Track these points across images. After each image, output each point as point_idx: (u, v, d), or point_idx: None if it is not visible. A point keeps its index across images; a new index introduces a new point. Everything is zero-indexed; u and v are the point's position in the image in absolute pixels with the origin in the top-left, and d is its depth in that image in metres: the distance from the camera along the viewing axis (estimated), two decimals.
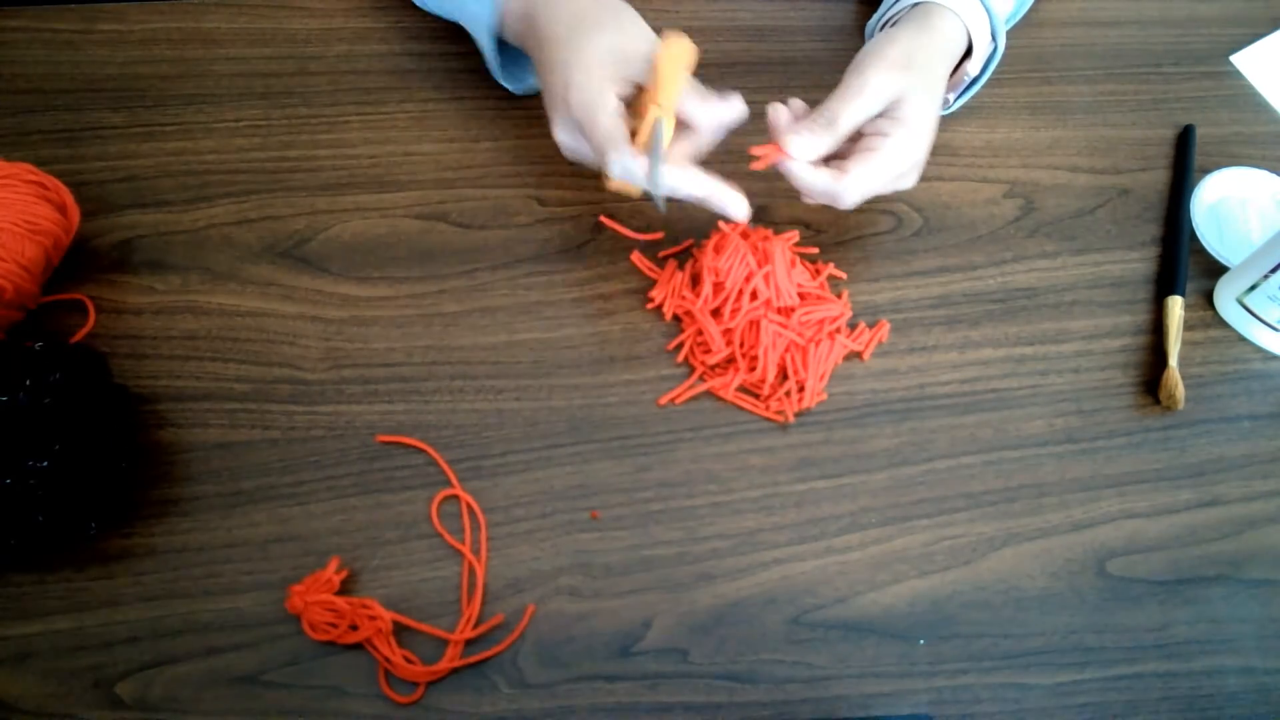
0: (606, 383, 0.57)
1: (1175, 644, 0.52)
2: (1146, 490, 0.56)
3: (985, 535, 0.54)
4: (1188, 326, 0.61)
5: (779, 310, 0.57)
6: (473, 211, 0.63)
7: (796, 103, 0.58)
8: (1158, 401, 0.59)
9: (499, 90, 0.67)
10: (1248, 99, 0.73)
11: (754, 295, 0.57)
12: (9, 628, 0.48)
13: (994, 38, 0.62)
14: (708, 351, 0.57)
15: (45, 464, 0.46)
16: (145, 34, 0.69)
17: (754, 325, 0.57)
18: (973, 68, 0.63)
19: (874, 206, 0.65)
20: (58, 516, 0.47)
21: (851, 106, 0.56)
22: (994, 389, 0.59)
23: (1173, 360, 0.59)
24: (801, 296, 0.58)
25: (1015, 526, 0.54)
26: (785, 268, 0.57)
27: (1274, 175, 0.67)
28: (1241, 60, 0.75)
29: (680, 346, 0.58)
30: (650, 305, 0.60)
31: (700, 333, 0.58)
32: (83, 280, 0.58)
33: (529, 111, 0.67)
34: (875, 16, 0.65)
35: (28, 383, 0.47)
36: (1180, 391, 0.58)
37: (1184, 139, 0.69)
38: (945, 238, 0.64)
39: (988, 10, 0.61)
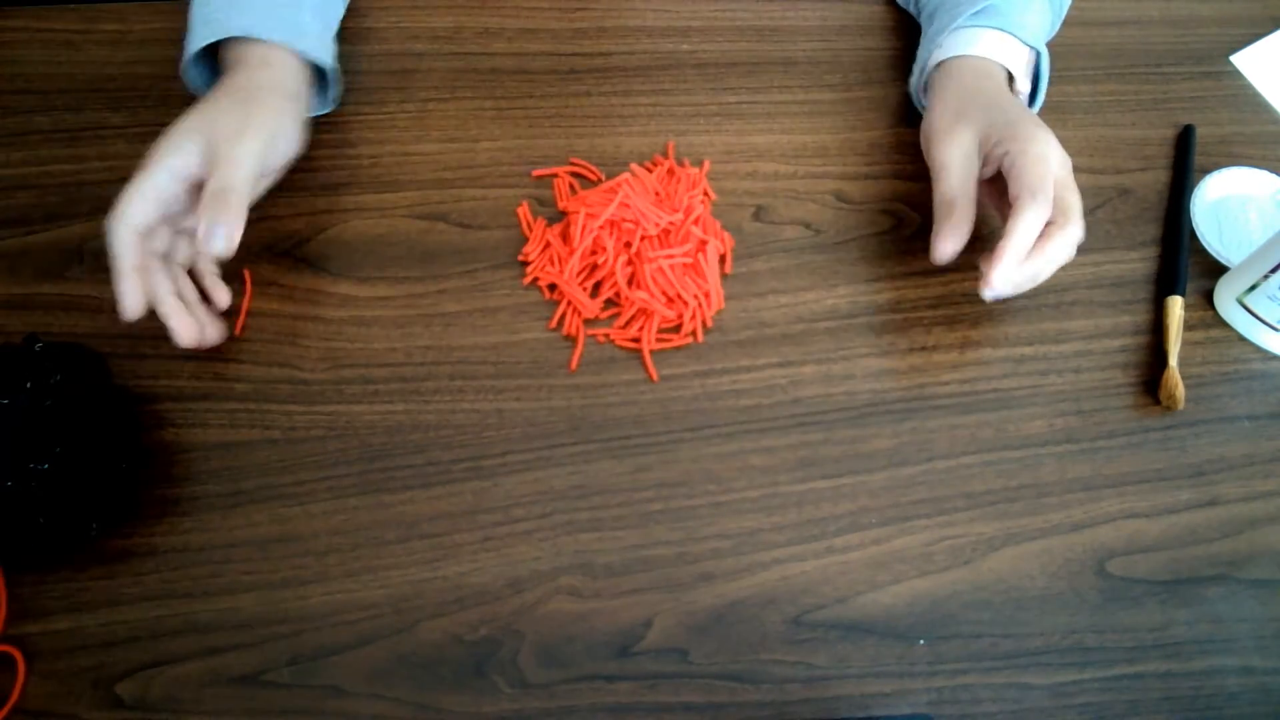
0: (606, 383, 0.57)
1: (1175, 644, 0.52)
2: (1146, 490, 0.56)
3: (985, 535, 0.54)
4: (1188, 326, 0.61)
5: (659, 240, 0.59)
6: (473, 211, 0.63)
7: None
8: (1158, 401, 0.59)
9: (499, 90, 0.67)
10: (1248, 99, 0.73)
11: (628, 245, 0.58)
12: (9, 628, 0.48)
13: (1033, 47, 0.63)
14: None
15: (46, 466, 0.46)
16: (145, 34, 0.69)
17: (639, 262, 0.58)
18: (1022, 86, 0.63)
19: (874, 206, 0.65)
20: (58, 518, 0.47)
21: (945, 179, 0.58)
22: (994, 389, 0.59)
23: (1173, 360, 0.59)
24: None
25: (1015, 526, 0.54)
26: (646, 201, 0.59)
27: (1274, 175, 0.67)
28: (1241, 60, 0.75)
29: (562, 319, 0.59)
30: (525, 280, 0.60)
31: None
32: (84, 280, 0.58)
33: (529, 112, 0.67)
34: (914, 78, 0.67)
35: (28, 385, 0.47)
36: (1180, 391, 0.58)
37: (1184, 139, 0.69)
38: None
39: (1017, 35, 0.62)
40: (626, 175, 0.61)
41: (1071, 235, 0.54)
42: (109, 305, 0.58)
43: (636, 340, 0.58)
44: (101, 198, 0.61)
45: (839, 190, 0.65)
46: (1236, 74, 0.74)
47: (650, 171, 0.63)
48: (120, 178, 0.62)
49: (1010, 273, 0.54)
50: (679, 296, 0.58)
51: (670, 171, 0.63)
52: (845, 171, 0.66)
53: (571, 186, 0.63)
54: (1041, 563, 0.53)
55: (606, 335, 0.58)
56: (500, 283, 0.60)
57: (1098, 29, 0.75)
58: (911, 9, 0.73)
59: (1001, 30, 0.62)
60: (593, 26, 0.71)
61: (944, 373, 0.59)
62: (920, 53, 0.67)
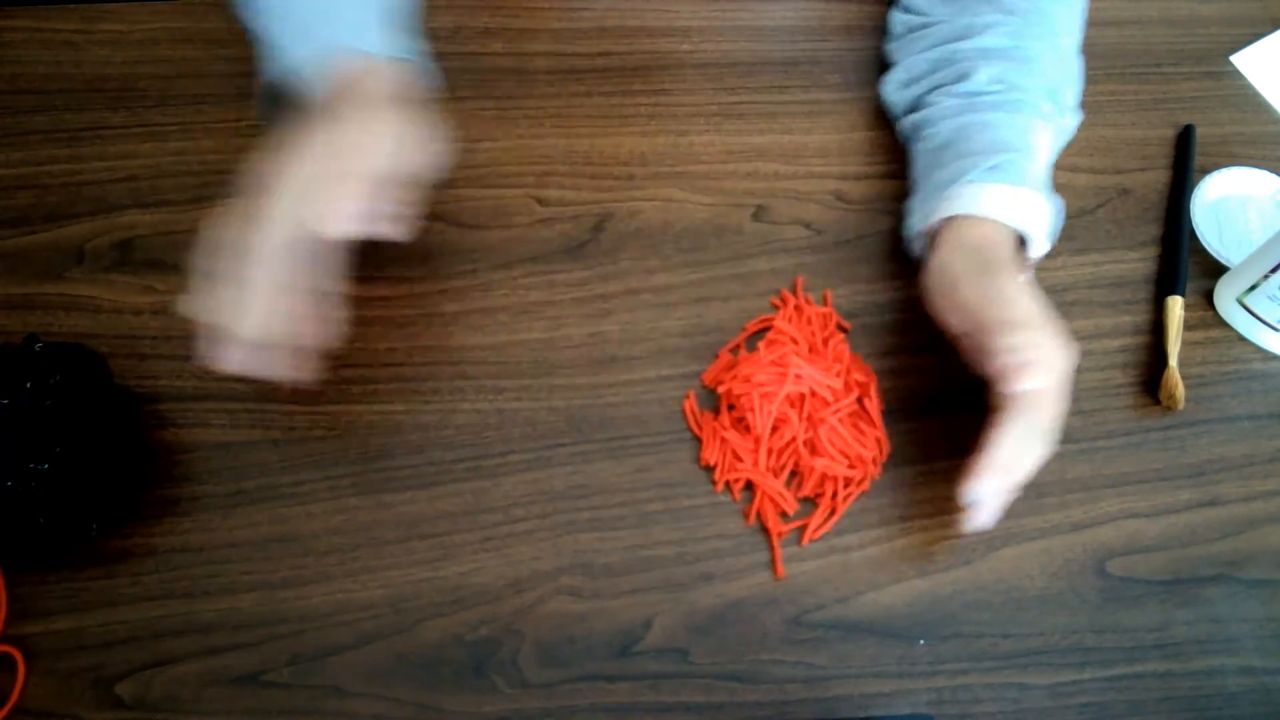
0: (606, 383, 0.57)
1: (1175, 644, 0.52)
2: (1146, 490, 0.56)
3: (985, 535, 0.54)
4: (1188, 326, 0.61)
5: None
6: (473, 211, 0.63)
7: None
8: (1158, 401, 0.59)
9: (499, 90, 0.67)
10: (1248, 99, 0.73)
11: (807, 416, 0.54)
12: (9, 628, 0.49)
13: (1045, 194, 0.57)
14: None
15: (46, 466, 0.46)
16: (145, 34, 0.69)
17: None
18: (1036, 251, 0.56)
19: (874, 206, 0.65)
20: (58, 518, 0.47)
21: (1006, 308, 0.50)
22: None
23: (1173, 360, 0.59)
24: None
25: (1015, 526, 0.54)
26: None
27: (1274, 175, 0.67)
28: (1241, 60, 0.75)
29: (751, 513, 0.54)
30: (717, 489, 0.54)
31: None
32: (84, 280, 0.59)
33: (529, 112, 0.67)
34: (914, 223, 0.59)
35: (28, 385, 0.47)
36: (1180, 391, 0.58)
37: (1184, 139, 0.69)
38: None
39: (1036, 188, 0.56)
40: (788, 344, 0.56)
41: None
42: (109, 305, 0.58)
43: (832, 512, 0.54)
44: (101, 198, 0.62)
45: (839, 190, 0.65)
46: (1236, 74, 0.74)
47: (780, 313, 0.59)
48: (120, 178, 0.63)
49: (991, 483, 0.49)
50: (859, 457, 0.54)
51: (799, 309, 0.59)
52: (845, 171, 0.66)
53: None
54: (1041, 563, 0.53)
55: (811, 533, 0.53)
56: (500, 283, 0.60)
57: (1098, 29, 0.75)
58: (908, 133, 0.65)
59: (1016, 185, 0.55)
60: (593, 26, 0.71)
61: (944, 373, 0.59)
62: (920, 199, 0.59)
